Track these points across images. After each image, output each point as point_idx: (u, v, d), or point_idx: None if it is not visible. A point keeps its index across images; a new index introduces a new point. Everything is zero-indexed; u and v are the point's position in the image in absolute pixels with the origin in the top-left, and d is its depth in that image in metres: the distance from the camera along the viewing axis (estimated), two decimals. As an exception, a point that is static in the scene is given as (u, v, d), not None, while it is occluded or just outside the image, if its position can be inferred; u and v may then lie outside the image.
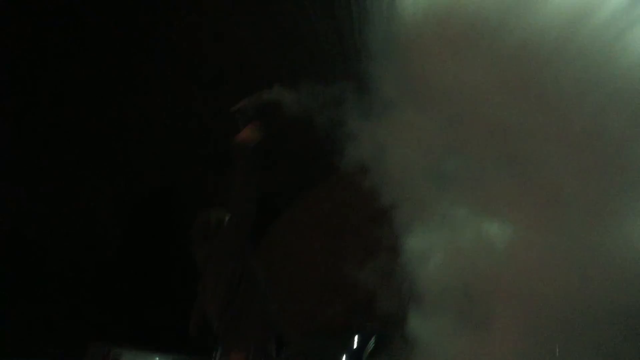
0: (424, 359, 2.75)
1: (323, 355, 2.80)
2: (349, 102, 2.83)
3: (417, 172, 2.94)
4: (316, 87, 2.66)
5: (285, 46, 2.64)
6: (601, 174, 2.82)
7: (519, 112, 2.94)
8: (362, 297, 2.80)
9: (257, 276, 1.87)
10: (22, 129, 2.34)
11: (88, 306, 2.54)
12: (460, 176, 2.95)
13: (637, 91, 2.68)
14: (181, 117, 2.52)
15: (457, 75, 2.90)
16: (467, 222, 2.87)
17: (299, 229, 3.03)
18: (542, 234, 2.81)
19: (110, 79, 2.34)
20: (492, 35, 2.94)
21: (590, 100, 2.77)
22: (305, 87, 2.61)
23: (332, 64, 2.71)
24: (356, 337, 2.67)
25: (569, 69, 2.79)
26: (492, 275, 2.77)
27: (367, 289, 2.75)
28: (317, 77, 2.67)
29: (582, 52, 2.77)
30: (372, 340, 2.68)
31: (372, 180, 2.89)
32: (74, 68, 2.33)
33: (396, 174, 2.91)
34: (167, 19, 2.34)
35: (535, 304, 2.74)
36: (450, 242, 2.84)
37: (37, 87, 2.30)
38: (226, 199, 1.80)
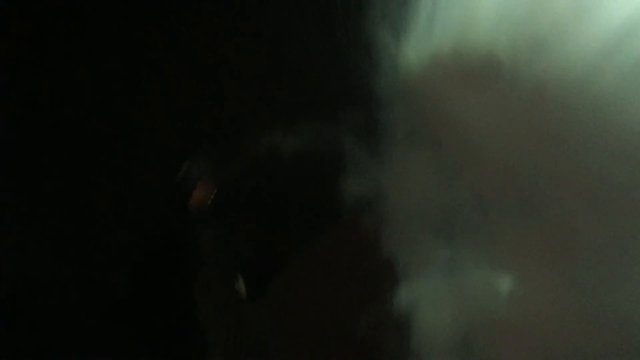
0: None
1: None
2: (354, 146, 2.86)
3: (423, 217, 2.93)
4: (320, 130, 2.72)
5: (289, 88, 2.67)
6: (618, 224, 2.77)
7: (532, 156, 2.91)
8: (367, 348, 2.77)
9: (255, 328, 1.87)
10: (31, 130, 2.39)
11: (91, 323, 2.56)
12: (467, 221, 2.93)
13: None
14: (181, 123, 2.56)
15: (468, 117, 2.91)
16: (473, 269, 2.83)
17: (305, 278, 3.02)
18: (553, 284, 2.75)
19: (112, 82, 2.40)
20: (505, 77, 2.93)
21: (608, 147, 2.74)
22: (308, 130, 2.66)
23: (337, 107, 2.74)
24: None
25: (587, 114, 2.77)
26: (498, 325, 2.70)
27: (372, 340, 2.73)
28: (321, 121, 2.72)
29: (600, 98, 2.75)
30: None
31: (378, 226, 2.90)
32: (81, 70, 2.39)
33: (401, 219, 2.90)
34: (171, 25, 2.39)
35: (542, 357, 2.67)
36: (455, 290, 2.80)
37: (40, 88, 2.36)
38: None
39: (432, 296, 2.78)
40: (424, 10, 2.73)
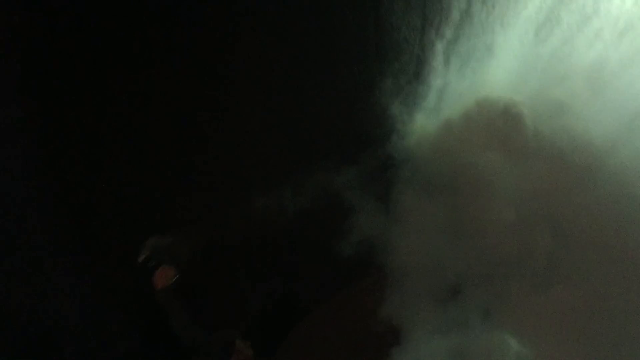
0: None
1: None
2: (362, 203, 2.86)
3: (430, 278, 2.90)
4: (326, 185, 2.77)
5: (297, 143, 2.71)
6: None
7: (550, 217, 2.93)
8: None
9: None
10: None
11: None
12: (477, 283, 2.92)
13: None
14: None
15: (484, 175, 2.95)
16: (479, 332, 2.78)
17: (308, 341, 3.01)
18: (563, 349, 2.72)
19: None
20: (524, 138, 2.98)
21: (630, 216, 2.74)
22: (314, 186, 2.74)
23: (345, 162, 2.79)
24: None
25: (607, 182, 2.76)
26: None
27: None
28: (327, 174, 2.79)
29: (621, 169, 2.74)
30: None
31: (383, 288, 2.89)
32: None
33: (409, 280, 2.87)
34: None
35: None
36: (460, 353, 2.79)
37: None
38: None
39: (435, 358, 2.78)
40: (435, 82, 2.86)
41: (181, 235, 2.30)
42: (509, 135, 2.99)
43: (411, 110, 2.83)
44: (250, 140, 2.54)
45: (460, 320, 2.81)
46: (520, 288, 2.88)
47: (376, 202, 2.86)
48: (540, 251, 2.87)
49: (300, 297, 2.91)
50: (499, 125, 3.00)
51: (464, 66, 2.88)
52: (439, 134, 3.02)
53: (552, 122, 3.01)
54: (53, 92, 2.19)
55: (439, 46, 2.75)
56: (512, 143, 3.00)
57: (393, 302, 2.84)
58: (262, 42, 2.39)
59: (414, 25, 2.59)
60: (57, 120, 2.24)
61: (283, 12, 2.38)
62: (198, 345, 1.92)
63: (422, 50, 2.69)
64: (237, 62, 2.40)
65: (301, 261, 2.79)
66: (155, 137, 2.29)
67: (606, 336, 2.63)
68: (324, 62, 2.48)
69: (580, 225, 2.83)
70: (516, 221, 2.86)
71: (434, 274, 2.86)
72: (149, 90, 2.21)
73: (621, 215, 2.74)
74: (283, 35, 2.44)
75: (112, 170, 2.30)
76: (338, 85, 2.55)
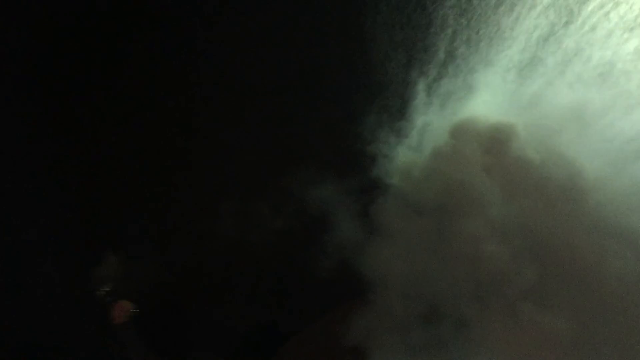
0: None
1: None
2: (348, 224, 2.95)
3: (414, 302, 2.95)
4: (315, 208, 2.80)
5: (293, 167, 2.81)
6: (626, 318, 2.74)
7: (533, 244, 2.95)
8: None
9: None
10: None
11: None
12: (461, 309, 2.95)
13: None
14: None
15: (469, 202, 2.99)
16: (460, 354, 2.82)
17: None
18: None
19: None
20: (512, 160, 3.04)
21: (610, 248, 2.76)
22: (302, 208, 2.77)
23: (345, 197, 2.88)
24: None
25: (592, 214, 2.81)
26: None
27: None
28: (314, 201, 2.82)
29: (611, 203, 2.80)
30: None
31: (366, 313, 2.95)
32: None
33: (393, 305, 2.95)
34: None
35: None
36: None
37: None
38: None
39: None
40: (418, 117, 2.93)
41: (140, 265, 2.34)
42: (497, 160, 3.05)
43: (395, 140, 2.89)
44: (234, 155, 2.60)
45: (437, 342, 2.84)
46: (498, 312, 2.92)
47: (359, 225, 2.91)
48: (521, 277, 2.90)
49: (283, 322, 2.92)
50: (486, 148, 3.04)
51: (447, 102, 2.95)
52: (424, 159, 3.08)
53: (541, 146, 3.06)
54: (53, 92, 2.25)
55: (423, 84, 2.82)
56: (499, 167, 3.06)
57: (372, 325, 2.87)
58: (251, 70, 2.47)
59: (399, 62, 2.67)
60: (57, 120, 2.30)
61: (274, 43, 2.46)
62: None
63: (405, 87, 2.76)
64: (224, 82, 2.48)
65: (284, 286, 2.81)
66: (148, 140, 2.35)
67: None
68: (310, 90, 2.55)
69: (562, 255, 2.90)
70: (499, 246, 2.90)
71: (413, 296, 2.90)
72: (142, 94, 2.28)
73: (601, 249, 2.79)
74: (272, 62, 2.53)
75: (108, 172, 2.35)
76: (323, 114, 2.62)
